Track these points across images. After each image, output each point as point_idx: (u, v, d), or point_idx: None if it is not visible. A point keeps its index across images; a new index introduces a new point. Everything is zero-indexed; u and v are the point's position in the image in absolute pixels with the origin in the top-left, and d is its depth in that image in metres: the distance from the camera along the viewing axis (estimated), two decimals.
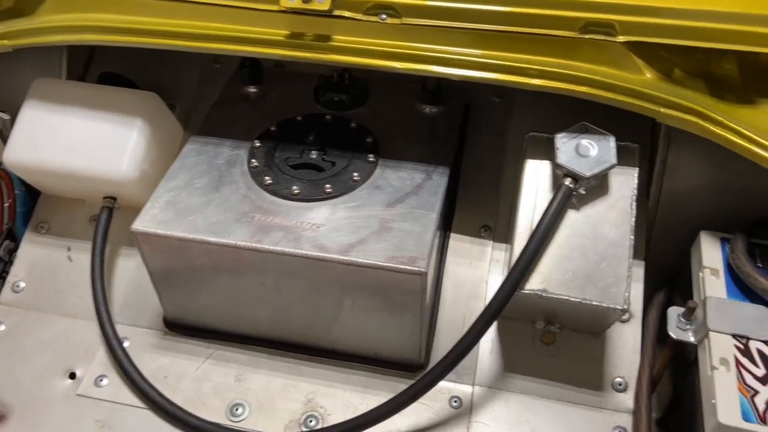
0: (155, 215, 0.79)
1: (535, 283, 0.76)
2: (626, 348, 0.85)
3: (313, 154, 0.87)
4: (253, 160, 0.86)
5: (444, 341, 0.86)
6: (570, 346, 0.85)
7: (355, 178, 0.83)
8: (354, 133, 0.90)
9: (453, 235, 0.94)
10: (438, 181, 0.84)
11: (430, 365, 0.82)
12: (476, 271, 0.91)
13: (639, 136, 0.86)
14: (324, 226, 0.78)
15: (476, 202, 0.96)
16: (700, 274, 0.77)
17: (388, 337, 0.83)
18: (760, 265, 0.77)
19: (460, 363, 0.77)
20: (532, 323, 0.86)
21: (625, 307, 0.74)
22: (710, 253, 0.78)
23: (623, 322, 0.86)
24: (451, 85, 0.95)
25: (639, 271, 0.88)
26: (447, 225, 0.94)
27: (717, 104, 0.76)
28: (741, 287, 0.75)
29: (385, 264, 0.74)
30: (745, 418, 0.65)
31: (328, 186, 0.82)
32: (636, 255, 0.87)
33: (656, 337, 0.83)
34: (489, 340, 0.87)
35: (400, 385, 0.82)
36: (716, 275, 0.76)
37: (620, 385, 0.83)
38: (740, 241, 0.77)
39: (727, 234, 0.81)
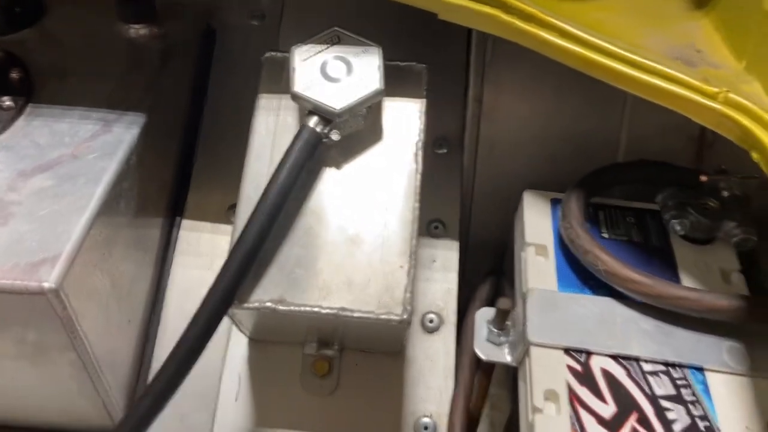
0: None
1: (263, 292, 0.46)
2: (435, 371, 0.58)
3: None
4: None
5: None
6: (354, 375, 0.57)
7: None
8: None
9: (186, 223, 0.63)
10: (121, 134, 0.52)
11: None
12: None
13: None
14: None
15: (224, 171, 0.64)
16: (522, 254, 0.51)
17: (53, 397, 0.50)
18: (605, 234, 0.52)
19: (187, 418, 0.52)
20: (300, 345, 0.56)
21: (405, 316, 0.45)
22: (535, 221, 0.52)
23: (430, 332, 0.59)
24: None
25: (452, 255, 0.62)
26: (173, 208, 0.63)
27: None
28: (579, 271, 0.49)
29: None
30: None
31: None
32: (447, 231, 0.62)
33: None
34: (234, 377, 0.56)
35: None
36: (544, 255, 0.50)
37: (426, 429, 0.55)
38: (574, 200, 0.51)
39: (561, 193, 0.55)
